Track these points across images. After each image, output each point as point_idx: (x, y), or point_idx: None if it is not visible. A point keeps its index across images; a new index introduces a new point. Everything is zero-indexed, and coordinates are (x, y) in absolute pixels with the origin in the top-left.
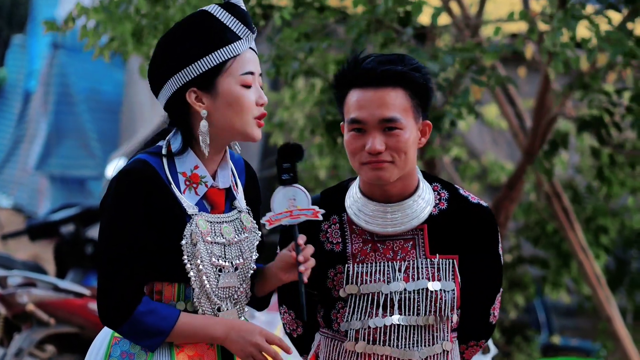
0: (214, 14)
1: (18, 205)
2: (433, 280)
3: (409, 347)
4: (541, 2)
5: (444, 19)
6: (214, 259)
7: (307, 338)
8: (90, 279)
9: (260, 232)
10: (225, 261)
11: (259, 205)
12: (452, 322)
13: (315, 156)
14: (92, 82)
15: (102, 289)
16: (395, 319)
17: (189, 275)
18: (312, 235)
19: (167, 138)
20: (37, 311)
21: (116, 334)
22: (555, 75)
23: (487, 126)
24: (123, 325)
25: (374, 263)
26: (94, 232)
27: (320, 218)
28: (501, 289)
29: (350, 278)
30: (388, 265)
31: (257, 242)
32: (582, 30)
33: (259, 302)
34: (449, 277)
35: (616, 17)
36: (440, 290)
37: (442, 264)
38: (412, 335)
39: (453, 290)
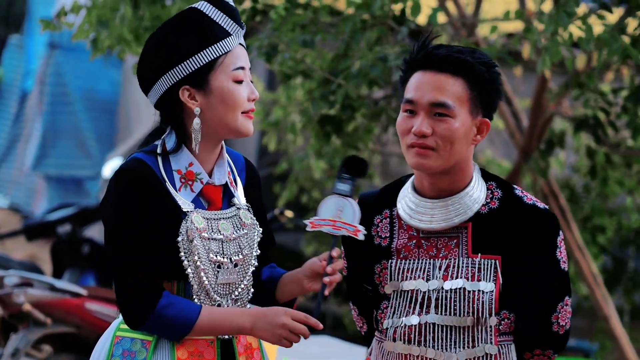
0: (203, 11)
1: (14, 205)
2: (472, 280)
3: (447, 349)
4: (537, 1)
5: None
6: (211, 255)
7: (372, 337)
8: (87, 279)
9: (261, 229)
10: (223, 257)
11: (261, 202)
12: (492, 325)
13: (312, 156)
14: (89, 81)
15: (121, 290)
16: (431, 318)
17: (186, 272)
18: (365, 229)
19: (162, 137)
20: (34, 311)
21: (118, 333)
22: (552, 74)
23: None
24: (147, 321)
25: (416, 260)
26: (90, 232)
27: (360, 238)
28: (567, 298)
29: (392, 274)
30: (429, 263)
31: (258, 239)
32: (577, 30)
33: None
34: (489, 277)
35: (611, 17)
36: (478, 290)
37: (484, 264)
38: (449, 336)
39: (492, 291)
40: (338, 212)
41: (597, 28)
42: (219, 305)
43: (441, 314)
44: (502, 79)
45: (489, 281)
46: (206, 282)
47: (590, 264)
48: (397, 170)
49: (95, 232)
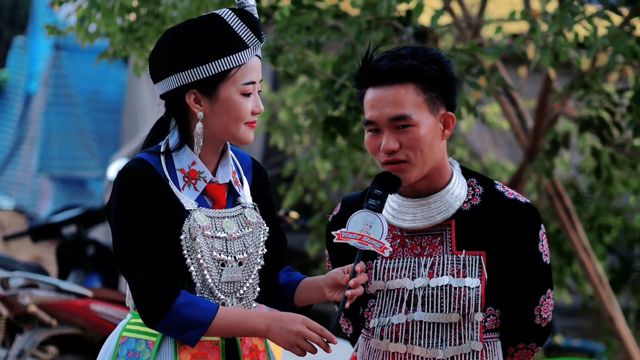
0: (226, 19)
1: (19, 207)
2: (458, 276)
3: (433, 346)
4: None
5: (445, 19)
6: (215, 253)
7: (358, 337)
8: (92, 280)
9: (267, 228)
10: (227, 256)
11: (270, 201)
12: (477, 320)
13: (316, 157)
14: (94, 83)
15: (137, 290)
16: (417, 315)
17: (189, 270)
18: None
19: (165, 137)
20: (39, 312)
21: (124, 334)
22: (557, 75)
23: (488, 126)
24: (163, 319)
25: (401, 259)
26: (95, 233)
27: (386, 255)
28: (549, 291)
29: (377, 274)
30: (414, 261)
31: (265, 238)
32: (583, 30)
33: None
34: (474, 273)
35: (617, 18)
36: (464, 287)
37: (469, 260)
38: (436, 334)
39: (477, 287)
40: (366, 227)
41: (602, 30)
42: (223, 305)
43: (428, 311)
44: (453, 66)
45: (475, 277)
46: (209, 280)
47: (595, 265)
48: None
49: (100, 233)
